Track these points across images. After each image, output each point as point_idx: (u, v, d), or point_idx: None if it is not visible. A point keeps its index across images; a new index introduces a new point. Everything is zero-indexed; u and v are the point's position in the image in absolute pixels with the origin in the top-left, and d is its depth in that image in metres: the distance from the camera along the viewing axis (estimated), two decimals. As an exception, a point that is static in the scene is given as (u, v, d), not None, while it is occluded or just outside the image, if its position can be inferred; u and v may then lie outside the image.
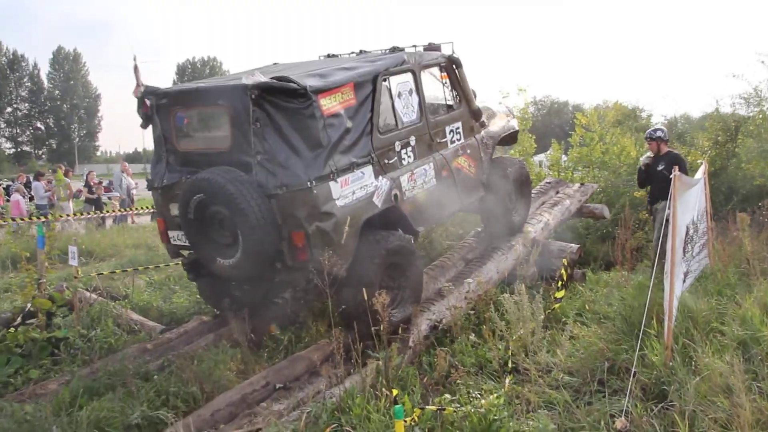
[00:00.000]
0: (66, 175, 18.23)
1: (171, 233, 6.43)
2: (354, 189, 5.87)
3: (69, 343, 6.41)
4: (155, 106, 6.17)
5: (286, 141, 5.51)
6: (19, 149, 79.80)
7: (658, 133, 8.47)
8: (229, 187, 5.33)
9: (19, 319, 6.77)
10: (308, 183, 5.44)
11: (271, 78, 5.48)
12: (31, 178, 19.17)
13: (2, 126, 79.77)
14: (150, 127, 6.31)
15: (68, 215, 14.60)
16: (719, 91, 23.68)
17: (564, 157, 15.14)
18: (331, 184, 5.63)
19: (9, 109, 79.51)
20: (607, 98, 15.71)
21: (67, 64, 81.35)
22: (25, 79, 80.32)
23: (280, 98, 5.44)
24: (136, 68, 6.67)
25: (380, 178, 6.20)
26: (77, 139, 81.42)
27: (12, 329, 6.43)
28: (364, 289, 5.38)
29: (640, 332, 5.01)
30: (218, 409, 4.92)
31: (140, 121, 6.32)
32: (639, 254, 9.47)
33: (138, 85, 6.67)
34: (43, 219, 9.27)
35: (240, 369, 5.96)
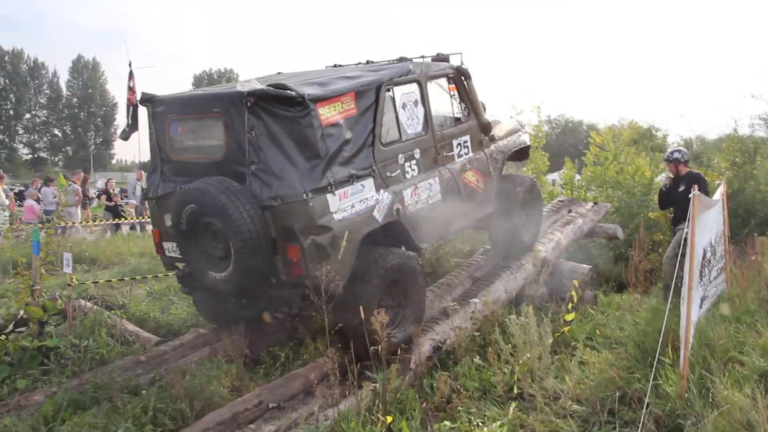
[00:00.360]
0: (84, 182, 18.28)
1: (166, 245, 6.23)
2: (353, 202, 5.63)
3: (60, 353, 6.21)
4: (151, 113, 6.01)
5: (282, 151, 5.31)
6: (36, 155, 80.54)
7: (675, 155, 8.19)
8: (222, 198, 5.13)
9: (10, 327, 6.57)
10: (304, 195, 5.23)
11: (268, 86, 5.30)
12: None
13: (20, 132, 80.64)
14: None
15: (74, 222, 14.50)
16: (737, 111, 23.25)
17: (577, 176, 14.91)
18: (329, 196, 5.41)
19: (27, 116, 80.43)
20: (622, 117, 15.38)
21: (86, 72, 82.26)
22: (44, 87, 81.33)
23: (277, 107, 5.26)
24: (131, 74, 6.56)
25: (381, 191, 5.95)
26: (93, 147, 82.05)
27: (2, 336, 6.23)
28: (361, 308, 5.14)
29: (655, 360, 4.71)
30: (207, 428, 4.69)
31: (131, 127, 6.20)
32: (652, 276, 9.17)
33: (132, 92, 6.56)
34: (40, 225, 9.10)
35: (234, 385, 5.75)
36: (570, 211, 10.40)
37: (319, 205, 5.32)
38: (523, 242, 8.10)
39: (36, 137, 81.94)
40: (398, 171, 6.20)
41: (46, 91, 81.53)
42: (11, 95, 77.80)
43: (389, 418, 3.64)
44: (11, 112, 77.98)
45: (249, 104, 5.23)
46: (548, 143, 15.94)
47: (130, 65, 9.69)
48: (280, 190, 5.24)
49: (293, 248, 5.30)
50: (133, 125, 7.98)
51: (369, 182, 5.82)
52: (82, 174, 19.59)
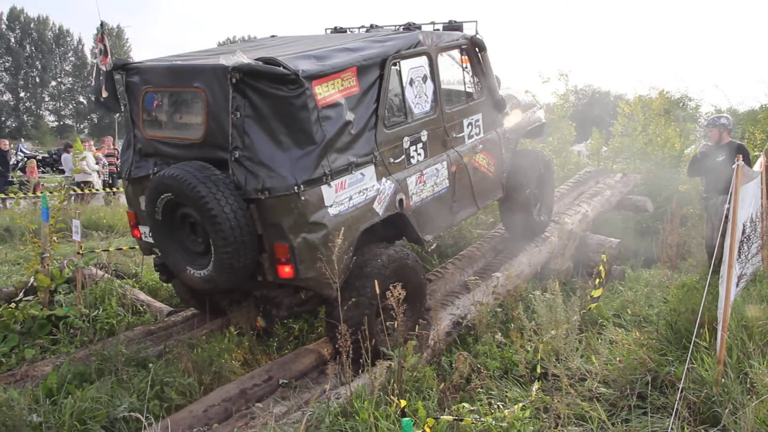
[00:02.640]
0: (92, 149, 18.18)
1: (142, 228, 5.63)
2: (351, 194, 5.00)
3: (69, 323, 6.07)
4: (124, 82, 5.43)
5: (272, 135, 4.64)
6: (62, 122, 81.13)
7: (722, 120, 7.60)
8: (200, 189, 4.49)
9: (20, 295, 6.45)
10: (295, 187, 4.58)
11: (257, 59, 4.60)
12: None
13: (47, 99, 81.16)
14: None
15: (96, 188, 14.41)
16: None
17: (604, 148, 14.45)
18: (324, 188, 4.77)
19: (53, 83, 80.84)
20: (653, 86, 14.77)
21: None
22: (69, 54, 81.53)
23: (266, 84, 4.56)
24: (103, 35, 5.96)
25: (383, 180, 5.32)
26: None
27: (12, 304, 6.11)
28: (359, 316, 4.83)
29: (692, 343, 4.39)
30: (213, 404, 4.50)
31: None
32: (682, 251, 8.79)
33: (106, 56, 5.97)
34: (50, 192, 8.92)
35: (246, 359, 5.56)
36: (598, 183, 10.03)
37: (313, 198, 4.71)
38: (538, 224, 7.62)
39: (62, 104, 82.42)
40: (402, 156, 5.57)
41: (71, 59, 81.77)
42: (37, 62, 78.18)
43: (403, 402, 3.39)
44: (37, 80, 78.45)
45: (234, 81, 4.55)
46: (574, 113, 15.44)
47: (101, 26, 8.98)
48: (268, 182, 4.59)
49: (282, 247, 4.69)
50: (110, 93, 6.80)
51: (370, 170, 5.19)
52: (110, 139, 19.50)
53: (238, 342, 5.63)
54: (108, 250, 8.12)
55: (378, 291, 4.60)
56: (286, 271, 4.74)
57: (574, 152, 14.82)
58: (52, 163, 28.64)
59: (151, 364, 5.09)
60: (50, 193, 9.61)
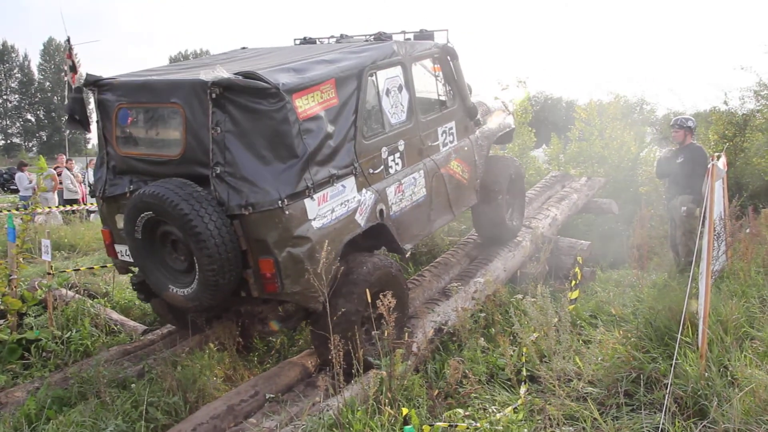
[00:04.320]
0: (69, 167, 17.69)
1: (118, 247, 5.50)
2: (333, 206, 4.98)
3: (41, 346, 5.88)
4: (96, 99, 5.29)
5: (253, 150, 4.58)
6: (9, 141, 78.78)
7: (689, 123, 7.80)
8: (183, 206, 4.41)
9: (-12, 319, 6.22)
10: (279, 202, 4.53)
11: (236, 73, 4.55)
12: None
13: (-8, 117, 78.79)
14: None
15: (50, 207, 14.01)
16: (727, 84, 23.06)
17: (560, 156, 14.70)
18: (307, 201, 4.74)
19: (-1, 100, 78.57)
20: (611, 91, 15.11)
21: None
22: (15, 71, 79.27)
23: (246, 98, 4.52)
24: (70, 50, 5.78)
25: (363, 191, 5.32)
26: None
27: (-21, 330, 5.90)
28: (344, 327, 4.81)
29: (678, 340, 4.50)
30: (201, 422, 4.41)
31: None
32: (650, 252, 9.00)
33: (75, 72, 5.75)
34: (14, 211, 8.60)
35: (228, 375, 5.48)
36: (564, 187, 10.21)
37: (296, 212, 4.67)
38: (510, 229, 7.71)
39: (8, 122, 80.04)
40: (381, 166, 5.56)
41: (17, 75, 79.53)
42: (-19, 80, 76.01)
43: (405, 410, 3.38)
44: (-19, 98, 76.25)
45: (214, 96, 4.48)
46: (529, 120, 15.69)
47: (68, 41, 8.70)
48: (251, 197, 4.53)
49: (266, 262, 4.64)
50: (79, 112, 6.60)
51: (350, 182, 5.18)
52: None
53: (219, 358, 5.53)
54: (79, 269, 7.90)
55: (366, 299, 4.60)
56: (272, 286, 4.67)
57: (536, 158, 15.08)
58: (2, 183, 27.81)
59: (133, 385, 4.97)
60: (16, 210, 9.29)
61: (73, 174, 16.16)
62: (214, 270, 4.50)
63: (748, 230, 7.86)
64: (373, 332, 4.96)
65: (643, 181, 12.19)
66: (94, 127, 5.73)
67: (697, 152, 7.62)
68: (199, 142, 4.67)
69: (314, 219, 4.81)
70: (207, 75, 4.52)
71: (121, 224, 5.14)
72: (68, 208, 13.96)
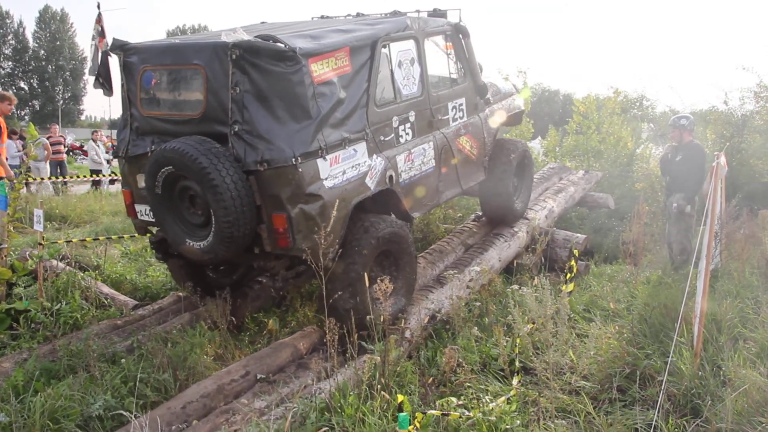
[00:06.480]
0: (95, 138, 17.55)
1: (138, 207, 5.72)
2: (345, 168, 5.18)
3: (30, 317, 5.80)
4: (122, 62, 5.46)
5: (270, 110, 4.81)
6: (0, 109, 77.96)
7: (683, 121, 7.80)
8: (202, 161, 4.64)
9: (-23, 288, 6.13)
10: (293, 160, 4.74)
11: (256, 37, 4.76)
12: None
13: (-16, 84, 77.79)
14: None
15: (43, 178, 13.88)
16: (728, 84, 23.02)
17: (557, 148, 14.68)
18: (319, 161, 4.94)
19: (-8, 67, 77.60)
20: (611, 86, 15.12)
21: (53, 24, 79.20)
22: (9, 37, 78.20)
23: (265, 60, 4.72)
24: (99, 16, 5.90)
25: (374, 156, 5.51)
26: (62, 102, 79.52)
27: (-32, 299, 5.82)
28: (352, 281, 4.94)
29: (674, 338, 4.48)
30: (191, 400, 4.36)
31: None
32: (644, 248, 8.99)
33: (102, 37, 5.91)
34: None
35: (218, 354, 5.43)
36: (561, 179, 10.17)
37: (309, 171, 4.87)
38: (515, 211, 7.85)
39: (1, 90, 79.21)
40: (392, 135, 5.76)
41: (11, 42, 78.46)
42: (-26, 46, 75.00)
43: (400, 397, 3.35)
44: (-26, 64, 75.28)
45: (234, 57, 4.70)
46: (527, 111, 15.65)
47: (98, 6, 8.85)
48: (266, 154, 4.75)
49: (280, 217, 4.87)
50: (103, 76, 7.21)
51: (362, 146, 5.38)
52: (57, 127, 18.83)
53: (210, 337, 5.50)
54: (70, 241, 7.81)
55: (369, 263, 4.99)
56: (284, 241, 4.90)
57: (532, 149, 15.05)
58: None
59: (122, 360, 4.92)
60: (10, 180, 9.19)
61: (97, 146, 16.09)
62: (229, 222, 4.72)
63: (742, 231, 7.88)
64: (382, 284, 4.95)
65: (639, 177, 12.19)
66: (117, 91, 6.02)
67: (694, 150, 7.65)
68: (219, 101, 4.89)
69: (326, 179, 5.01)
70: (228, 37, 4.76)
71: (142, 183, 5.39)
72: (93, 178, 13.95)
